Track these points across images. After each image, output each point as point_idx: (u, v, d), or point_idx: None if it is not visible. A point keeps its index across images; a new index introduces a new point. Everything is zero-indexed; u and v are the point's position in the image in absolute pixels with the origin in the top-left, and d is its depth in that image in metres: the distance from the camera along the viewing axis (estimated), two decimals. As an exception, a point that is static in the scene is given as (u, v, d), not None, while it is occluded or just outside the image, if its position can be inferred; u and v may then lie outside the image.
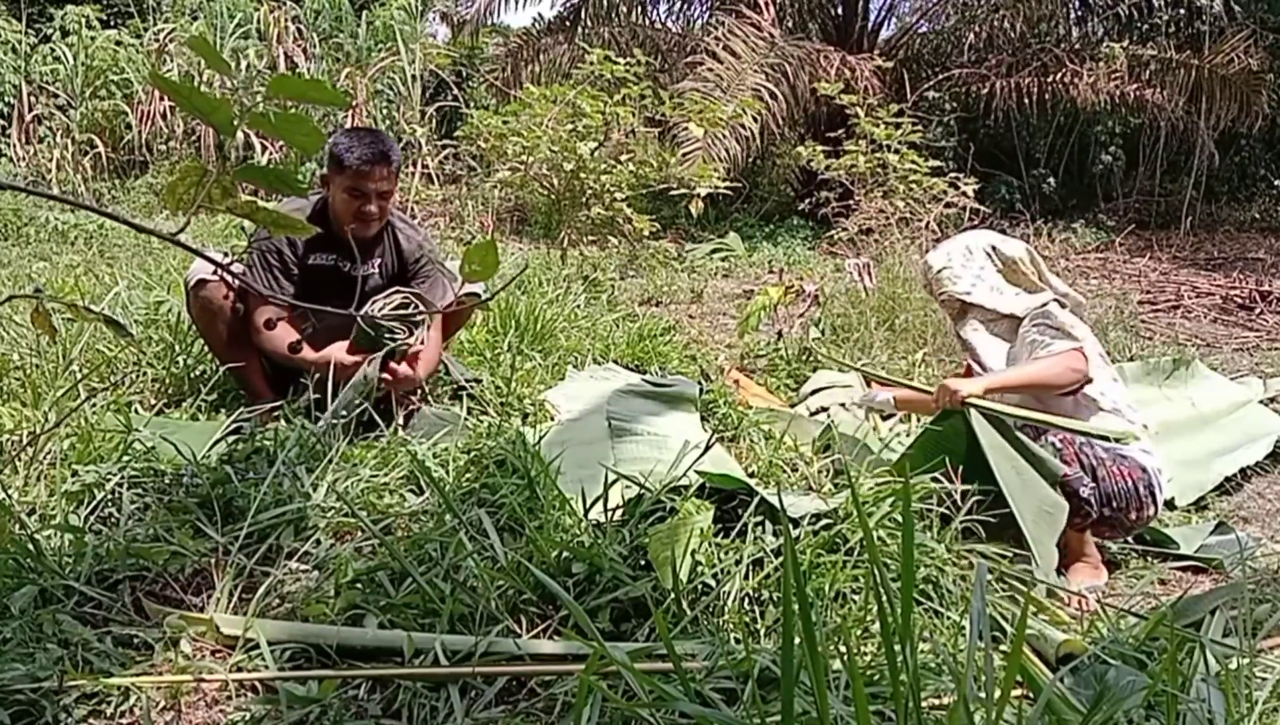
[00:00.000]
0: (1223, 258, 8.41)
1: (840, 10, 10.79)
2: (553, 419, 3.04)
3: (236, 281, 2.87)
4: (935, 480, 2.13)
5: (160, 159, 9.78)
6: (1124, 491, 2.34)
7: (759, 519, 1.93)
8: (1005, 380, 2.44)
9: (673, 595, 1.73)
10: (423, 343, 2.96)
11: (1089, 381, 2.44)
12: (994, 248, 2.75)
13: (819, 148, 7.15)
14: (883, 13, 11.08)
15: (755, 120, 7.77)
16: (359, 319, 2.82)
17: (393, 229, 3.11)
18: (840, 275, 5.58)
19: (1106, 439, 2.34)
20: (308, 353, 2.88)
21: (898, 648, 1.11)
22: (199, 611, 1.70)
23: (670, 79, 9.22)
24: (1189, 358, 3.85)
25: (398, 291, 2.94)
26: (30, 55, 10.33)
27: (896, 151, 6.80)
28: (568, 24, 11.22)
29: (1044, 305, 2.62)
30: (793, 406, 3.55)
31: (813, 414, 3.35)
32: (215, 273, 2.86)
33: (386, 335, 2.85)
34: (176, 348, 3.24)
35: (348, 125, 9.17)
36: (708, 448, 2.38)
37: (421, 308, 2.91)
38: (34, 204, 7.62)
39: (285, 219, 1.19)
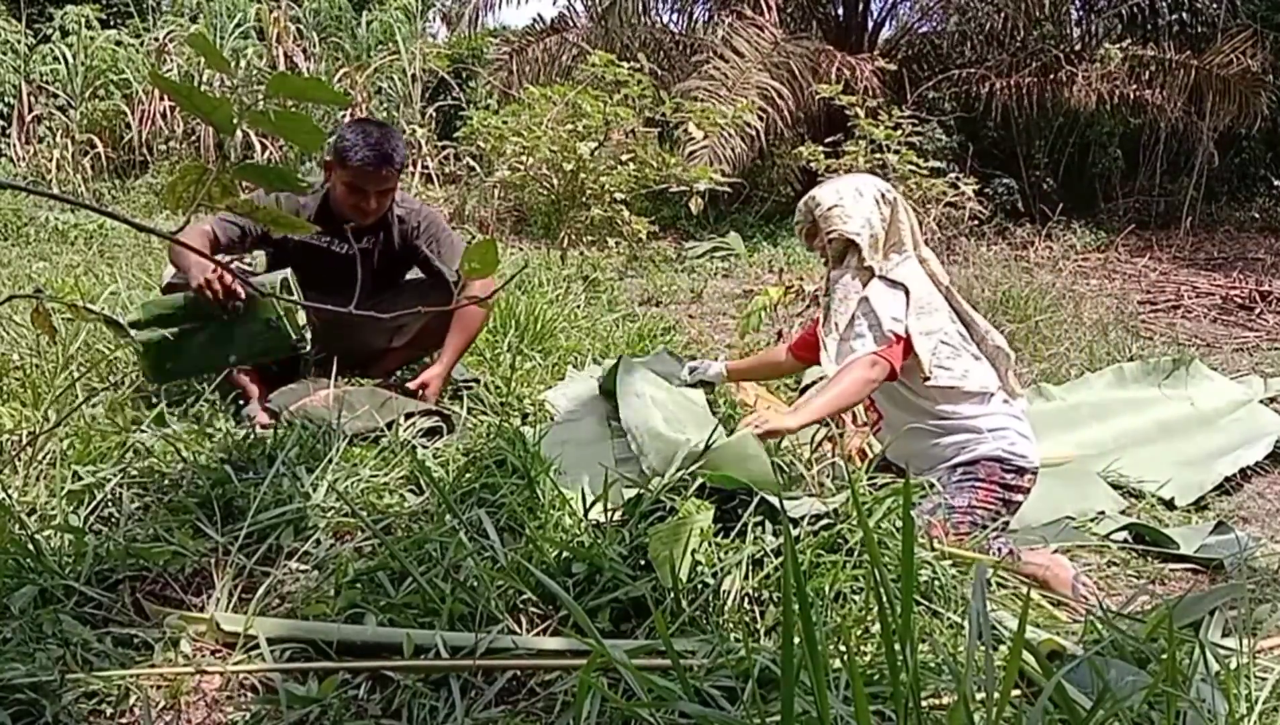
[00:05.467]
0: (1223, 258, 8.42)
1: (840, 10, 10.80)
2: (552, 419, 3.04)
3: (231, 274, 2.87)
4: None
5: (160, 159, 9.79)
6: (985, 514, 2.33)
7: (759, 519, 1.93)
8: (814, 414, 2.37)
9: (672, 595, 1.73)
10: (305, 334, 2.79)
11: (893, 376, 2.38)
12: (882, 195, 2.56)
13: (819, 148, 7.16)
14: (883, 13, 11.11)
15: (761, 119, 7.78)
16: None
17: (390, 208, 3.11)
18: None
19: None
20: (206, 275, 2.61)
21: (898, 648, 1.11)
22: (199, 611, 1.70)
23: (674, 78, 9.23)
24: (1189, 358, 3.83)
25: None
26: (30, 55, 10.33)
27: (896, 152, 6.79)
28: (569, 24, 11.23)
29: (890, 280, 2.48)
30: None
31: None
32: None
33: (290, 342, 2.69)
34: (176, 348, 3.24)
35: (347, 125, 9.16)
36: (707, 448, 2.37)
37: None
38: (34, 204, 7.62)
39: (285, 218, 1.19)
